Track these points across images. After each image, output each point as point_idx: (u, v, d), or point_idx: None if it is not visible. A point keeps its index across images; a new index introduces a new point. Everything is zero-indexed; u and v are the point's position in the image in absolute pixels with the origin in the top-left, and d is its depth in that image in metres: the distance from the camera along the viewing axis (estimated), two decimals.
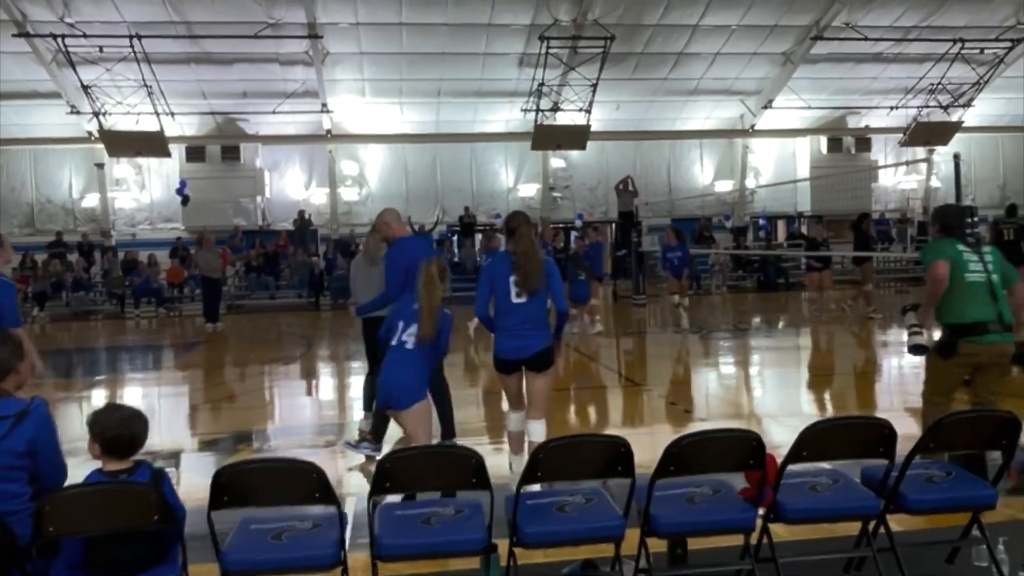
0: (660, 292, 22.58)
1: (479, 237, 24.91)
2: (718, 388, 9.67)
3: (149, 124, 22.19)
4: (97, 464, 3.00)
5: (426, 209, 25.44)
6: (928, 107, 24.63)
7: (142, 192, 24.73)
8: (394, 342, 4.69)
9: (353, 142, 24.94)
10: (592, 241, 14.40)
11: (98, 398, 9.68)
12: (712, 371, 10.73)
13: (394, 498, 3.55)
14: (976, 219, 8.17)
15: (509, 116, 24.28)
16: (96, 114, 21.92)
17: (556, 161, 25.68)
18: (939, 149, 24.66)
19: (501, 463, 5.33)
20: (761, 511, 3.44)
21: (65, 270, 21.46)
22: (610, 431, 7.26)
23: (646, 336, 14.58)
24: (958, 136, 24.82)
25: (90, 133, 22.86)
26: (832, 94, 24.66)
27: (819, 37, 22.01)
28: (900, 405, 7.87)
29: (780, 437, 6.43)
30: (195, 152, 23.99)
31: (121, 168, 24.20)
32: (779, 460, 3.34)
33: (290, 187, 25.13)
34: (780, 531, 3.55)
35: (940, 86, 23.82)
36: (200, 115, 23.53)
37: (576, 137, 23.56)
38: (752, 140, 26.33)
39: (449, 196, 25.37)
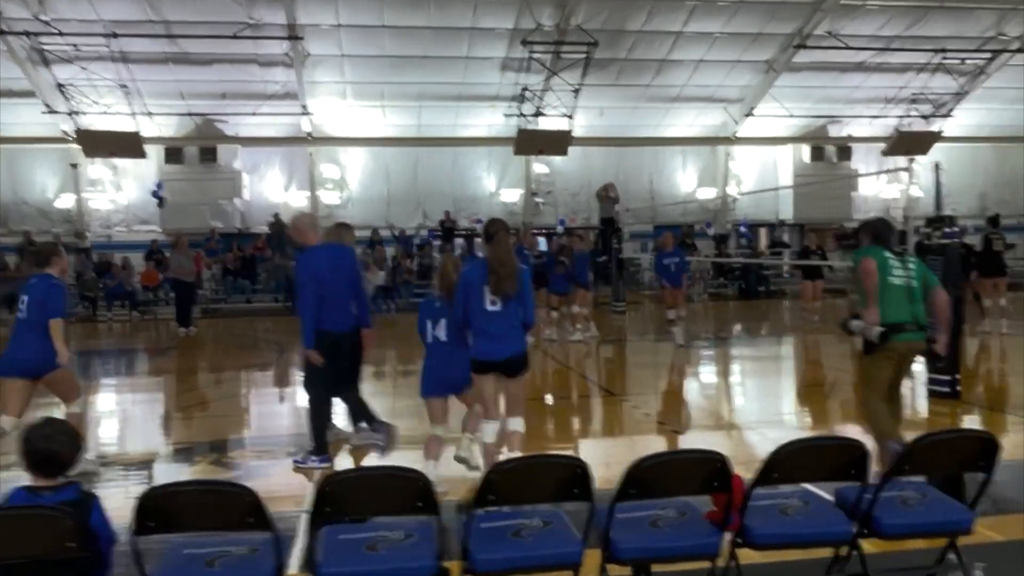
0: (641, 299, 22.55)
1: (458, 241, 24.80)
2: (696, 399, 9.51)
3: (126, 124, 21.87)
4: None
5: (407, 213, 25.29)
6: (909, 117, 24.70)
7: (118, 193, 24.35)
8: (429, 340, 5.41)
9: (333, 145, 24.70)
10: (579, 251, 14.06)
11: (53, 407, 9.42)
12: (691, 381, 10.58)
13: None
14: (955, 229, 8.00)
15: (491, 121, 24.11)
16: (72, 113, 21.58)
17: (539, 166, 25.55)
18: (920, 159, 24.69)
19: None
20: (729, 535, 3.27)
21: None
22: (584, 444, 7.13)
23: (626, 344, 14.41)
24: (938, 146, 24.87)
25: (65, 133, 22.46)
26: (814, 103, 24.65)
27: (802, 45, 21.99)
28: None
29: (763, 451, 6.29)
30: (173, 153, 23.67)
31: (97, 169, 23.83)
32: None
33: (269, 190, 24.85)
34: (750, 555, 3.38)
35: (921, 96, 23.89)
36: (178, 116, 23.21)
37: (558, 142, 23.43)
38: (734, 148, 26.32)
39: (431, 200, 25.17)
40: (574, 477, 2.94)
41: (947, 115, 24.71)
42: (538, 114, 23.10)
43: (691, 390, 9.98)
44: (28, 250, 6.19)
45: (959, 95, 24.07)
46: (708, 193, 26.22)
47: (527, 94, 22.45)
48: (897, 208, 26.46)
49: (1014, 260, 24.77)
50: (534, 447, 6.55)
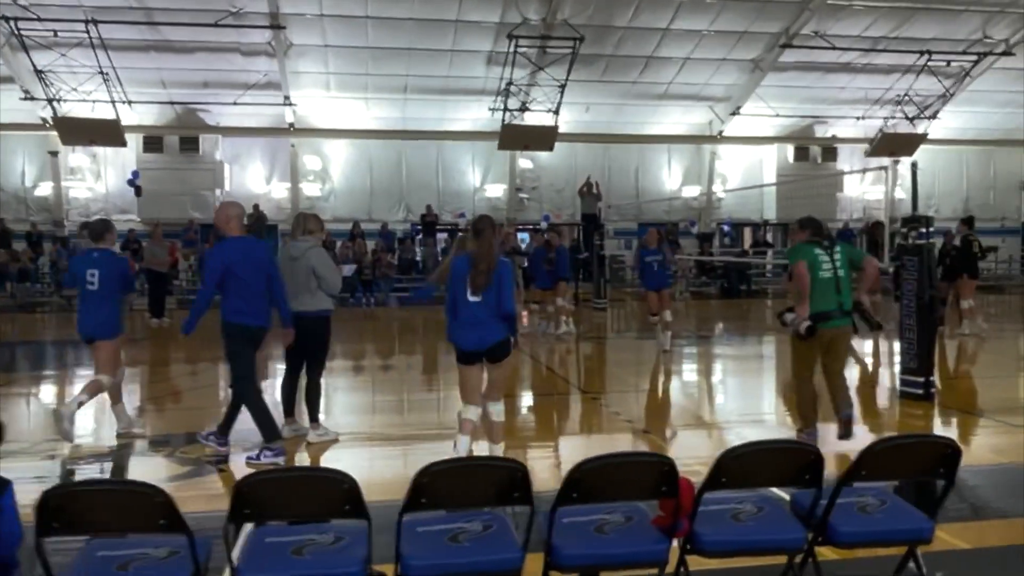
0: (624, 297, 22.43)
1: (441, 236, 24.61)
2: (670, 399, 9.38)
3: (105, 112, 21.56)
4: None
5: (390, 207, 25.09)
6: (894, 118, 24.67)
7: (97, 182, 24.07)
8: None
9: (316, 137, 24.47)
10: (559, 245, 13.99)
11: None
12: (666, 380, 10.45)
13: None
14: (932, 230, 7.91)
15: (477, 115, 23.92)
16: (51, 100, 21.25)
17: (524, 162, 25.41)
18: (904, 160, 24.69)
19: None
20: (677, 542, 3.14)
21: (10, 260, 20.74)
22: (543, 444, 6.98)
23: (605, 342, 14.29)
24: (923, 148, 24.88)
25: (44, 120, 22.17)
26: (800, 103, 24.59)
27: (788, 45, 21.92)
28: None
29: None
30: (153, 142, 23.39)
31: (76, 157, 23.54)
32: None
33: (251, 181, 24.59)
34: (701, 561, 3.24)
35: (907, 98, 23.85)
36: (159, 104, 22.93)
37: (544, 138, 23.27)
38: (720, 146, 26.24)
39: (415, 194, 24.99)
40: (513, 480, 2.79)
41: (932, 117, 24.70)
42: (523, 109, 22.92)
43: (665, 389, 9.84)
44: (88, 225, 7.02)
45: (944, 97, 24.06)
46: (693, 191, 26.13)
47: (512, 89, 22.26)
48: (880, 209, 26.53)
49: (991, 264, 24.96)
50: None
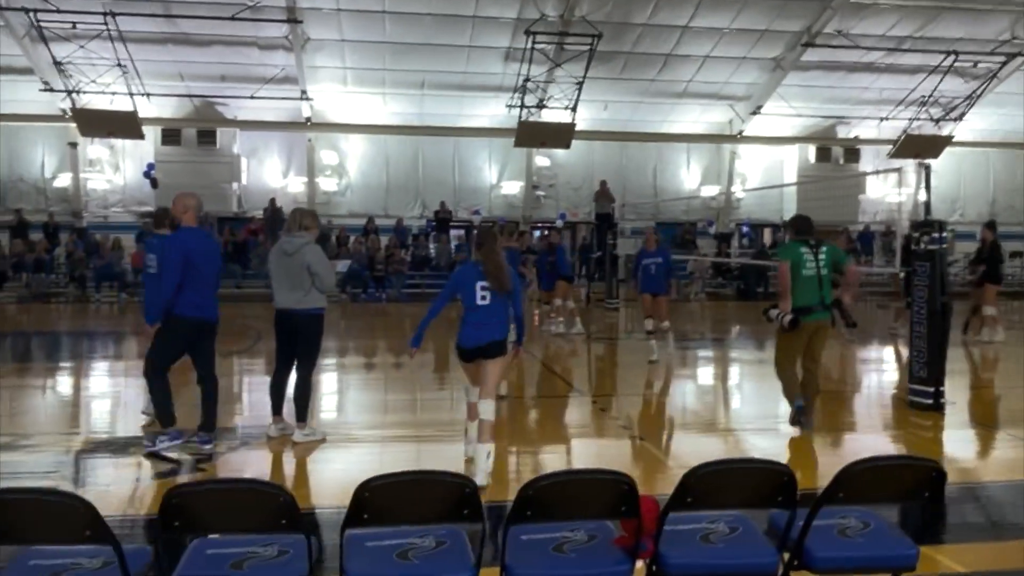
0: (639, 298, 22.17)
1: (456, 233, 24.49)
2: (672, 404, 9.17)
3: (124, 104, 21.65)
4: None
5: (406, 203, 25.02)
6: (919, 120, 24.21)
7: (116, 174, 24.20)
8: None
9: (333, 131, 24.44)
10: (558, 244, 13.85)
11: None
12: (671, 385, 10.24)
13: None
14: (944, 234, 7.66)
15: (494, 111, 23.77)
16: (70, 92, 21.36)
17: (541, 159, 25.22)
18: (929, 163, 24.24)
19: None
20: (641, 563, 2.97)
21: (27, 250, 20.88)
22: (529, 450, 6.80)
23: (610, 343, 14.07)
24: (948, 150, 24.41)
25: (64, 111, 22.29)
26: (822, 102, 24.20)
27: (810, 44, 21.57)
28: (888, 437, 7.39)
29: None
30: (171, 135, 23.46)
31: (95, 149, 23.67)
32: None
33: (268, 174, 24.62)
34: None
35: (932, 99, 23.38)
36: (177, 97, 22.99)
37: (560, 135, 23.07)
38: (740, 146, 25.91)
39: (431, 190, 24.90)
40: (462, 496, 2.64)
41: (958, 119, 24.21)
42: (541, 106, 22.75)
43: (667, 394, 9.62)
44: (154, 214, 7.41)
45: (971, 99, 23.56)
46: (712, 191, 25.82)
47: (530, 85, 22.09)
48: (903, 212, 26.09)
49: (1016, 268, 24.46)
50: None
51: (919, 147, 24.04)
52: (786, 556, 3.09)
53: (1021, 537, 4.62)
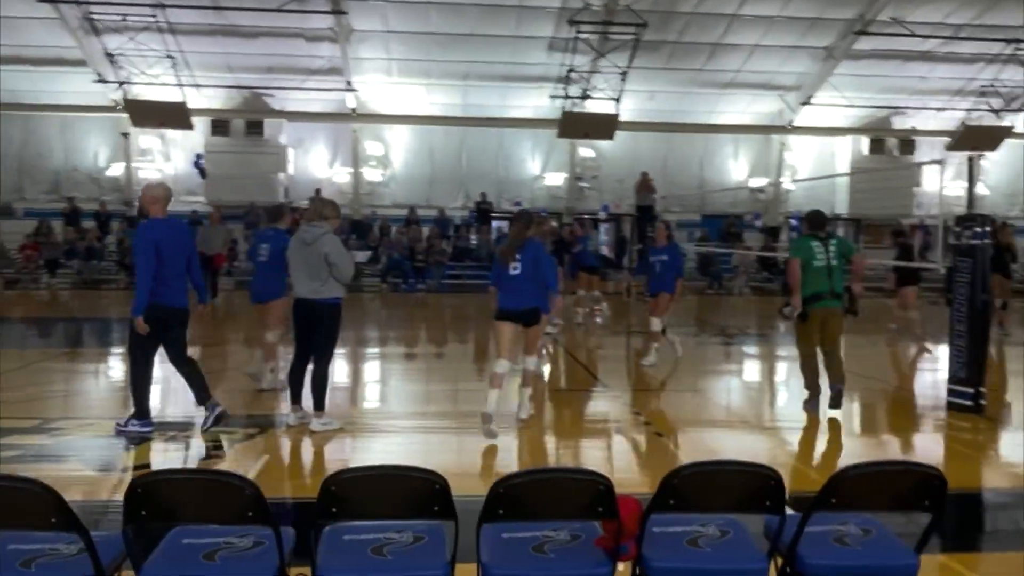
0: (685, 291, 21.84)
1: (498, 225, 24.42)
2: (698, 399, 8.98)
3: (173, 95, 22.07)
4: None
5: (449, 194, 25.04)
6: (978, 110, 23.38)
7: (166, 163, 24.65)
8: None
9: (378, 122, 24.54)
10: (581, 235, 13.75)
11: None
12: (702, 378, 10.05)
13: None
14: (987, 229, 7.35)
15: (538, 102, 23.64)
16: (121, 83, 21.85)
17: (585, 150, 25.01)
18: (988, 155, 23.46)
19: None
20: (625, 565, 2.88)
21: (78, 238, 21.43)
22: (536, 441, 6.71)
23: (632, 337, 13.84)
24: (1008, 142, 23.53)
25: (116, 102, 22.79)
26: (876, 92, 23.52)
27: (863, 32, 20.97)
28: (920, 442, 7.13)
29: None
30: (220, 126, 23.80)
31: (146, 139, 24.15)
32: None
33: (314, 165, 24.85)
34: None
35: (991, 88, 22.55)
36: (226, 88, 23.33)
37: (604, 126, 22.86)
38: (790, 137, 25.36)
39: (474, 181, 24.86)
40: (432, 492, 2.58)
41: (1019, 110, 23.31)
42: (585, 97, 22.54)
43: (700, 387, 9.43)
44: (266, 209, 9.25)
45: None
46: (760, 183, 25.31)
47: (574, 76, 21.90)
48: (960, 205, 25.26)
49: None
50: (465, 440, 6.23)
51: (977, 139, 23.25)
52: (779, 562, 2.97)
53: None
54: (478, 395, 8.40)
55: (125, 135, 23.78)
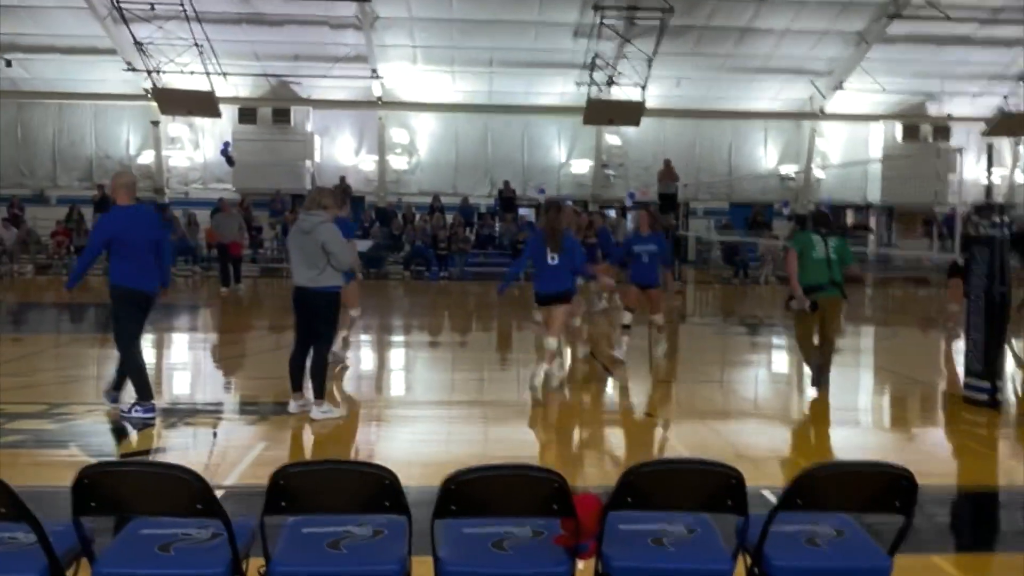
0: (709, 280, 21.68)
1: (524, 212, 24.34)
2: (698, 390, 8.86)
3: (201, 84, 22.25)
4: None
5: (475, 181, 25.00)
6: (1016, 96, 22.73)
7: (196, 151, 24.90)
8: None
9: (403, 110, 24.54)
10: (600, 226, 13.58)
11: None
12: (713, 369, 9.93)
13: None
14: (1006, 219, 7.12)
15: (563, 89, 23.49)
16: (150, 72, 22.08)
17: (611, 137, 24.80)
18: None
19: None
20: (583, 565, 2.82)
21: None
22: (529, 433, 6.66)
23: (679, 327, 13.71)
24: None
25: (146, 91, 23.04)
26: (910, 78, 22.99)
27: (897, 15, 20.48)
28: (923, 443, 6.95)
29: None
30: (247, 114, 23.96)
31: (176, 127, 24.40)
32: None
33: (340, 153, 24.94)
34: None
35: None
36: (253, 76, 23.47)
37: (630, 113, 22.64)
38: (821, 123, 24.91)
39: (499, 169, 24.77)
40: (381, 487, 2.54)
41: None
42: (610, 83, 22.33)
43: (713, 379, 9.30)
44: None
45: None
46: (790, 171, 24.91)
47: (599, 62, 21.69)
48: (998, 193, 24.64)
49: None
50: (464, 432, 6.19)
51: (1015, 125, 22.64)
52: (748, 562, 2.90)
53: None
54: (484, 384, 8.45)
55: (155, 123, 24.04)
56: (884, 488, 2.69)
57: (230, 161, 23.26)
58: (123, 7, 20.26)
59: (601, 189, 24.96)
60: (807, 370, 7.80)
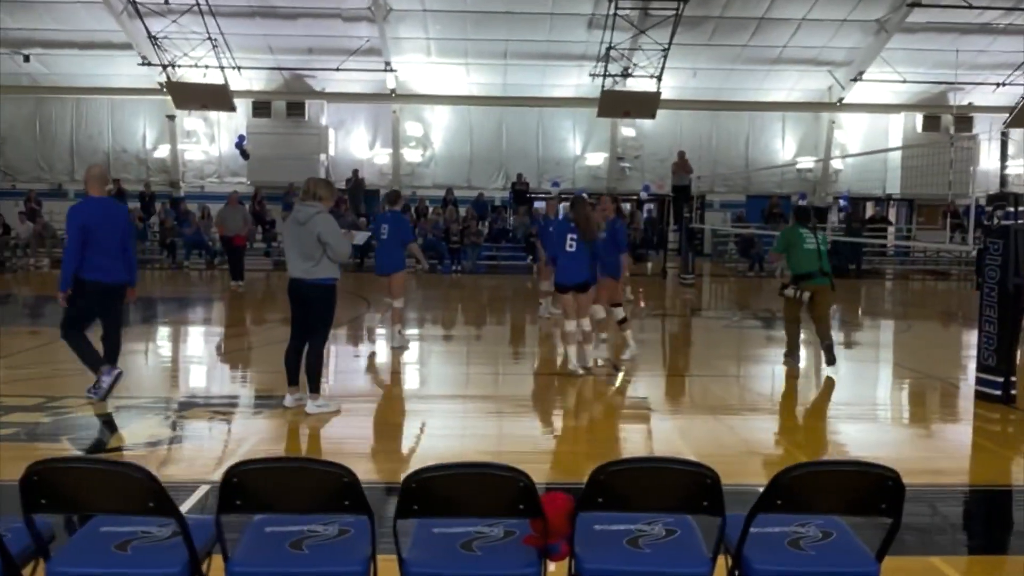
0: (725, 273, 21.44)
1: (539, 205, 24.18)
2: (714, 385, 8.70)
3: (216, 78, 22.28)
4: None
5: (489, 174, 24.88)
6: None
7: (211, 145, 24.97)
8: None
9: (417, 102, 24.46)
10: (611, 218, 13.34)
11: None
12: (723, 364, 9.76)
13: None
14: (1021, 209, 6.91)
15: (578, 81, 23.28)
16: (165, 66, 22.13)
17: (627, 129, 24.59)
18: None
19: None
20: (555, 567, 2.72)
21: None
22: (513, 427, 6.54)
23: (664, 319, 13.54)
24: None
25: (161, 85, 23.11)
26: (931, 67, 22.56)
27: (917, 3, 20.10)
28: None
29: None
30: (261, 107, 23.98)
31: (192, 121, 24.47)
32: None
33: (354, 146, 24.91)
34: None
35: None
36: (267, 70, 23.47)
37: (645, 105, 22.39)
38: (840, 115, 24.54)
39: (514, 161, 24.65)
40: (339, 486, 2.45)
41: None
42: (625, 75, 22.10)
43: (723, 373, 9.13)
44: (386, 196, 10.25)
45: None
46: (808, 163, 24.58)
47: (614, 53, 21.46)
48: (1020, 184, 24.22)
49: None
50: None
51: None
52: (729, 563, 2.78)
53: None
54: (490, 379, 8.35)
55: (171, 117, 24.12)
56: (869, 489, 2.56)
57: (245, 155, 23.29)
58: (137, 1, 20.31)
59: (616, 182, 24.75)
60: (822, 364, 8.25)
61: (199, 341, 10.96)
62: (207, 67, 22.00)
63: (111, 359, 6.64)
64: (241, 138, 23.17)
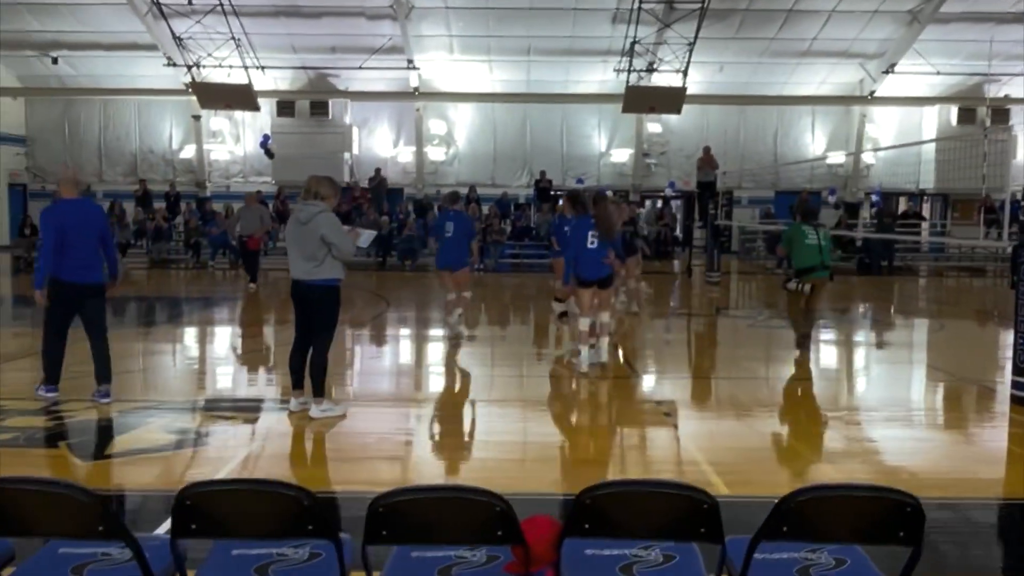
0: (754, 271, 21.04)
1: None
2: (734, 388, 8.43)
3: (240, 78, 22.32)
4: None
5: (513, 172, 24.69)
6: None
7: (236, 145, 25.06)
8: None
9: (441, 100, 24.33)
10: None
11: None
12: (741, 366, 9.47)
13: None
14: None
15: (602, 77, 23.01)
16: (190, 67, 22.21)
17: (652, 125, 24.27)
18: None
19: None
20: None
21: (147, 219, 21.96)
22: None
23: (689, 318, 13.24)
24: None
25: (186, 85, 23.20)
26: (965, 58, 21.97)
27: None
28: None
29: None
30: (285, 107, 23.99)
31: (217, 121, 24.57)
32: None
33: (378, 144, 24.86)
34: None
35: None
36: (291, 69, 23.48)
37: (671, 100, 22.06)
38: (871, 108, 24.01)
39: (538, 159, 24.43)
40: (300, 509, 2.25)
41: None
42: (650, 70, 21.78)
43: (742, 375, 8.86)
44: (446, 196, 10.63)
45: None
46: (839, 158, 24.06)
47: (638, 48, 21.15)
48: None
49: None
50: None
51: None
52: None
53: None
54: (503, 381, 8.18)
55: (196, 118, 24.22)
56: (885, 516, 2.31)
57: (269, 154, 23.32)
58: (162, 3, 20.38)
59: (642, 179, 24.45)
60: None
61: (205, 343, 10.84)
62: (231, 67, 22.06)
63: (103, 376, 6.56)
64: (266, 137, 23.19)
